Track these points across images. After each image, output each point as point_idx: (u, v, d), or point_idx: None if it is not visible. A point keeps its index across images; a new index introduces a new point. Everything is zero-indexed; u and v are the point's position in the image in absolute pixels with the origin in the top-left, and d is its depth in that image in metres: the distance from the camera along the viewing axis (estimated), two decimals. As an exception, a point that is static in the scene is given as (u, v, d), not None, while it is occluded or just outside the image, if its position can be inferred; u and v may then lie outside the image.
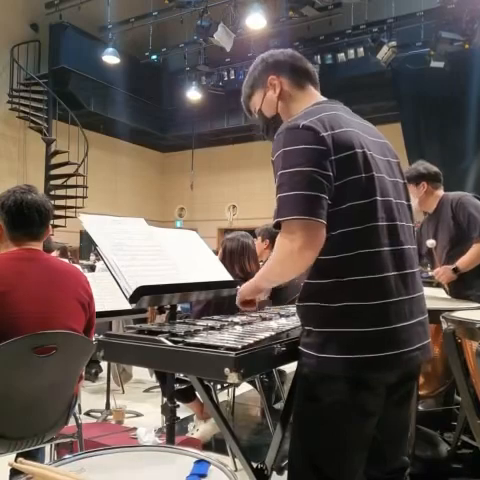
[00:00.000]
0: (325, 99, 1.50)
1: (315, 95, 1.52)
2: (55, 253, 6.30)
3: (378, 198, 1.31)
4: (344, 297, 1.27)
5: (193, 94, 10.47)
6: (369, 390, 1.28)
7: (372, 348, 1.25)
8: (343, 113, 1.41)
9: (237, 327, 1.63)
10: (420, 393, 2.41)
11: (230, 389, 3.61)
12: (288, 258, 1.26)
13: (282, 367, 3.17)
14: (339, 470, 1.32)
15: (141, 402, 4.17)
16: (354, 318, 1.26)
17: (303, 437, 1.35)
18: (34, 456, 1.97)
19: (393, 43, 8.18)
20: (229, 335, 1.47)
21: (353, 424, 1.29)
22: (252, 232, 3.70)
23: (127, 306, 1.69)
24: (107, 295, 3.17)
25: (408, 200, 1.48)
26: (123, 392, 4.42)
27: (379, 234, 1.31)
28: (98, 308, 3.03)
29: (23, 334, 1.71)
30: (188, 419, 3.38)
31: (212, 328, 1.58)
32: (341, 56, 8.88)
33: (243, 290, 1.55)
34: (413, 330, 1.32)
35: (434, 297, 2.68)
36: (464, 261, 2.88)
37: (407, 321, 1.31)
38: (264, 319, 1.78)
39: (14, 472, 1.69)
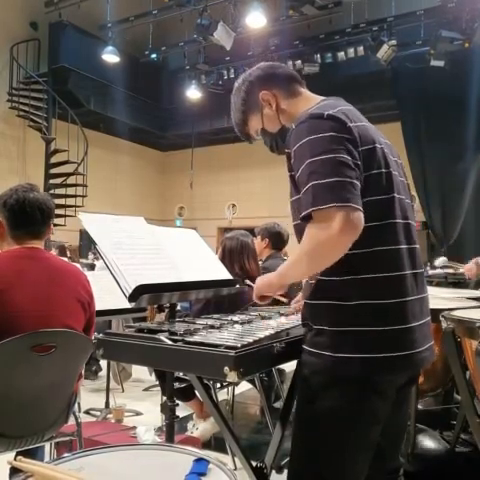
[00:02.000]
0: (327, 97, 1.45)
1: (312, 95, 1.49)
2: (53, 252, 6.31)
3: (395, 195, 1.30)
4: (361, 295, 1.24)
5: (193, 93, 10.46)
6: (380, 394, 1.26)
7: (389, 347, 1.23)
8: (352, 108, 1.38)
9: (237, 326, 1.63)
10: (420, 392, 2.42)
11: (229, 388, 3.61)
12: (325, 245, 1.17)
13: (282, 366, 3.16)
14: (340, 475, 1.29)
15: (140, 401, 4.17)
16: (370, 317, 1.23)
17: (306, 440, 1.32)
18: (34, 454, 1.97)
19: (393, 42, 8.16)
20: (229, 334, 1.47)
21: (359, 429, 1.26)
22: (252, 231, 3.70)
23: (127, 305, 1.69)
24: (106, 294, 3.17)
25: (412, 201, 1.47)
26: (123, 391, 4.42)
27: (397, 231, 1.29)
28: (97, 307, 3.03)
29: (22, 332, 1.71)
30: (187, 418, 3.38)
31: (212, 327, 1.58)
32: (341, 55, 8.86)
33: (261, 286, 1.47)
34: (423, 330, 1.32)
35: (434, 296, 2.68)
36: None
37: (419, 321, 1.30)
38: (264, 318, 1.78)
39: (14, 470, 1.69)
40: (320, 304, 1.30)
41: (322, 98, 1.43)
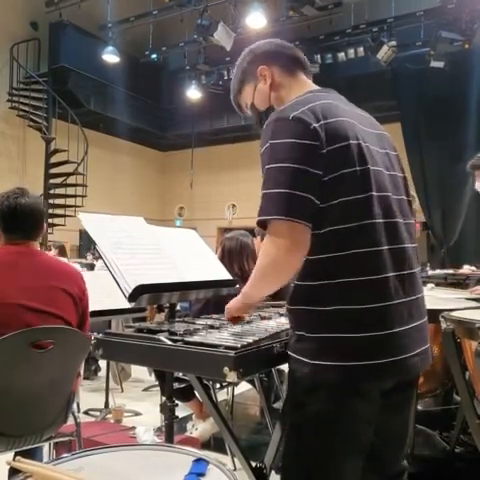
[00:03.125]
0: (318, 88, 1.43)
1: (307, 83, 1.46)
2: (53, 252, 6.31)
3: (374, 193, 1.23)
4: (337, 300, 1.20)
5: (193, 93, 10.46)
6: (362, 397, 1.22)
7: (369, 355, 1.19)
8: (338, 102, 1.33)
9: (236, 326, 1.63)
10: (419, 392, 2.41)
11: (229, 388, 3.61)
12: (273, 264, 1.22)
13: (281, 366, 3.15)
14: (329, 477, 1.27)
15: (140, 401, 4.17)
16: (349, 322, 1.19)
17: (294, 444, 1.30)
18: (32, 455, 1.97)
19: (393, 43, 8.16)
20: (228, 334, 1.47)
21: (345, 432, 1.24)
22: (251, 231, 3.68)
23: (126, 305, 1.69)
24: (106, 294, 3.17)
25: (408, 195, 1.40)
26: (122, 391, 4.42)
27: (376, 232, 1.23)
28: (97, 307, 3.03)
29: (15, 325, 1.73)
30: (187, 418, 3.38)
31: (211, 327, 1.58)
32: (341, 55, 8.86)
33: (230, 307, 1.47)
34: (412, 335, 1.25)
35: (433, 297, 2.68)
36: None
37: (406, 325, 1.24)
38: (263, 318, 1.78)
39: (13, 471, 1.69)
40: (298, 309, 1.27)
41: (309, 89, 1.40)
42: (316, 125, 1.20)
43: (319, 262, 1.21)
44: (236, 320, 1.53)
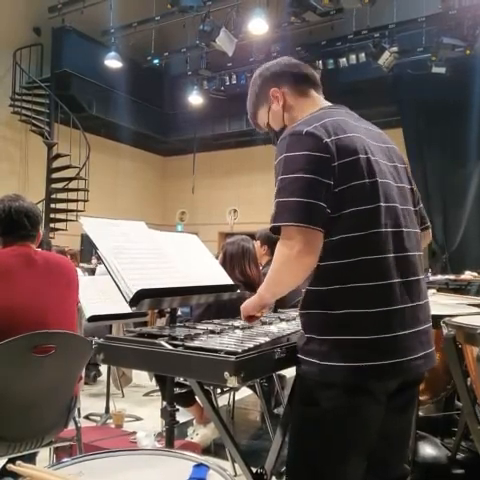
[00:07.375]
0: (330, 104, 1.50)
1: (319, 100, 1.52)
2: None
3: (382, 204, 1.30)
4: (346, 304, 1.26)
5: (195, 98, 10.49)
6: (369, 397, 1.27)
7: (375, 356, 1.24)
8: (348, 118, 1.40)
9: (237, 331, 1.63)
10: (421, 398, 2.41)
11: (230, 393, 3.60)
12: (286, 265, 1.27)
13: (282, 372, 3.15)
14: (336, 476, 1.31)
15: (141, 406, 4.16)
16: (357, 325, 1.25)
17: (301, 442, 1.35)
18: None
19: (394, 48, 8.18)
20: (229, 339, 1.47)
21: (351, 430, 1.28)
22: (252, 236, 3.68)
23: (127, 310, 1.69)
24: (107, 298, 3.17)
25: (415, 205, 1.47)
26: (123, 396, 4.41)
27: (383, 241, 1.29)
28: (98, 312, 3.04)
29: (20, 328, 1.74)
30: (187, 423, 3.37)
31: (212, 332, 1.58)
32: (343, 61, 8.88)
33: (247, 306, 1.52)
34: (417, 338, 1.31)
35: (435, 302, 2.67)
36: None
37: (411, 329, 1.30)
38: (264, 323, 1.78)
39: (5, 474, 1.69)
40: (310, 313, 1.32)
41: (321, 106, 1.46)
42: (328, 140, 1.27)
43: (330, 268, 1.27)
44: (252, 319, 1.57)
